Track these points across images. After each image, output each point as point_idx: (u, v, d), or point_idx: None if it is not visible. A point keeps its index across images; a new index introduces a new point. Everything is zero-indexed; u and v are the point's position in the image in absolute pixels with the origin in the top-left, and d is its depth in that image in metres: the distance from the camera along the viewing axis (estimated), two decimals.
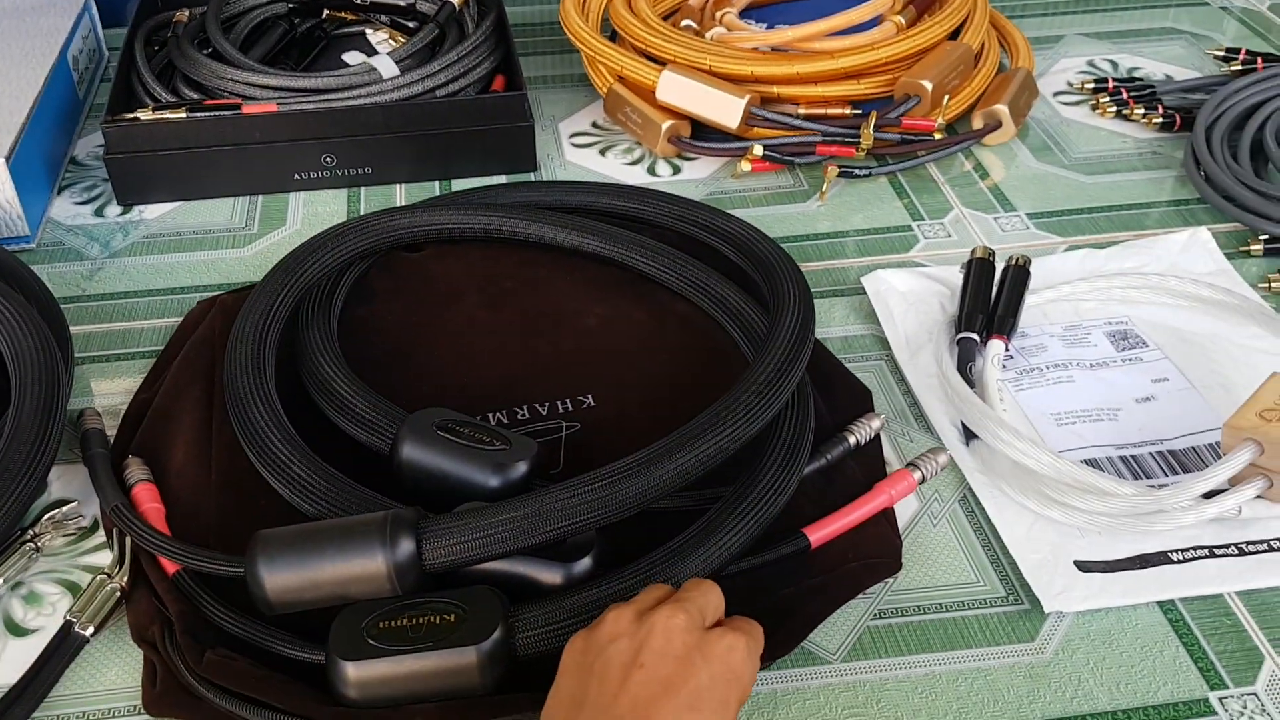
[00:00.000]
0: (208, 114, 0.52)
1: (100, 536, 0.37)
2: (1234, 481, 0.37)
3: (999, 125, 0.56)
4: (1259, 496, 0.36)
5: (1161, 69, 0.64)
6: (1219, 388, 0.42)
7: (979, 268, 0.45)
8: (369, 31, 0.63)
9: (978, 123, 0.57)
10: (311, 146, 0.53)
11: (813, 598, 0.34)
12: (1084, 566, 0.36)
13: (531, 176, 0.56)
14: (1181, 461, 0.39)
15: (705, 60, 0.55)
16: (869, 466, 0.39)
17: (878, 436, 0.40)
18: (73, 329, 0.44)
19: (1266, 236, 0.49)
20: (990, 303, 0.44)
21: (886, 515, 0.37)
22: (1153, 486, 0.38)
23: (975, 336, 0.43)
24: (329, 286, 0.45)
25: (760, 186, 0.55)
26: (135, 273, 0.49)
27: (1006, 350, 0.43)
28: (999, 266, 0.45)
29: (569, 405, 0.41)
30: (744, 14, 0.63)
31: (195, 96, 0.54)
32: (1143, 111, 0.58)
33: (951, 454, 0.39)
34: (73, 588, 0.36)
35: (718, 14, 0.60)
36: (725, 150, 0.55)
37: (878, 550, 0.36)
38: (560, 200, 0.50)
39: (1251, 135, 0.54)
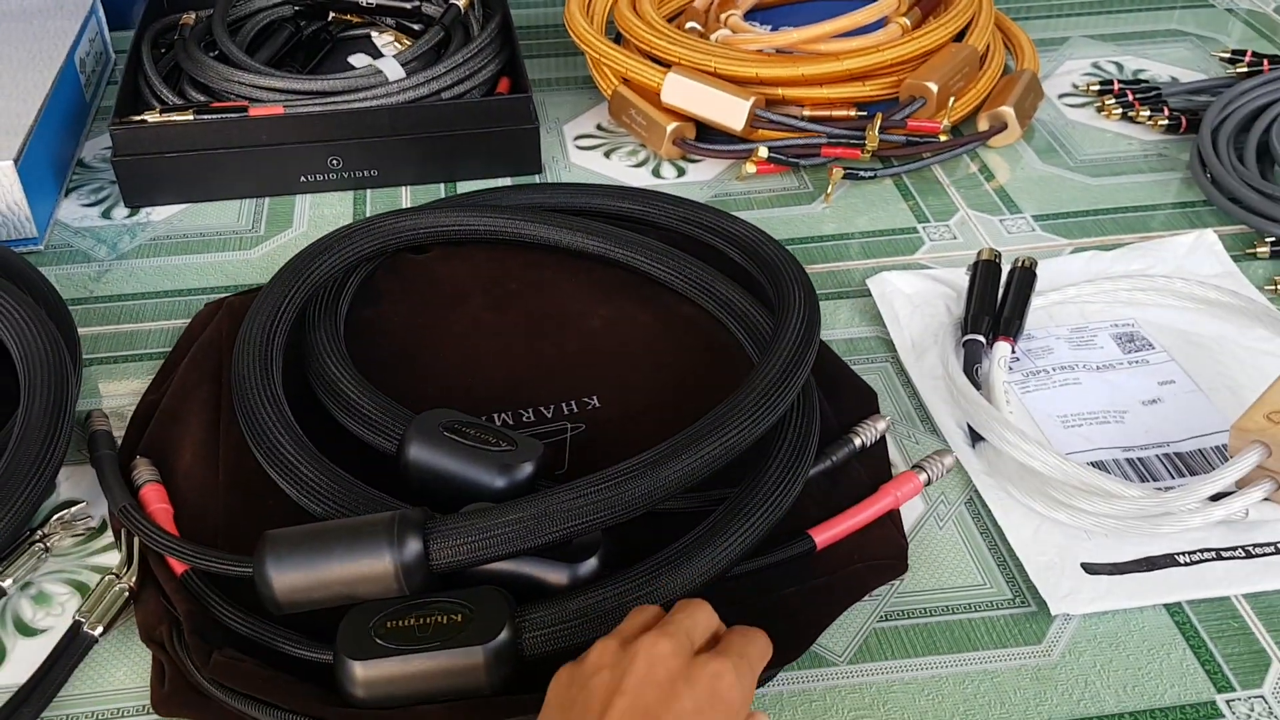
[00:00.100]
0: (215, 116, 0.52)
1: (108, 537, 0.37)
2: (1241, 484, 0.36)
3: (1004, 127, 0.56)
4: (1266, 499, 0.36)
5: (1167, 71, 0.64)
6: (1225, 390, 0.42)
7: (985, 270, 0.45)
8: (374, 34, 0.64)
9: (983, 125, 0.57)
10: (318, 149, 0.53)
11: (818, 599, 0.34)
12: (1091, 569, 0.36)
13: (536, 179, 0.56)
14: (1188, 464, 0.39)
15: (710, 62, 0.55)
16: (874, 468, 0.39)
17: (883, 438, 0.40)
18: (80, 330, 0.44)
19: (1273, 238, 0.49)
20: (996, 305, 0.44)
21: (892, 517, 0.37)
22: (1159, 489, 0.37)
23: (981, 339, 0.43)
24: (335, 288, 0.45)
25: (765, 188, 0.55)
26: (142, 275, 0.50)
27: (1013, 352, 0.43)
28: (1005, 269, 0.45)
29: (574, 407, 0.41)
30: (748, 16, 0.63)
31: (202, 99, 0.55)
32: (1148, 113, 0.58)
33: (957, 456, 0.39)
34: (81, 588, 0.36)
35: (722, 16, 0.60)
36: (730, 152, 0.55)
37: (883, 552, 0.36)
38: (565, 202, 0.50)
39: (1258, 137, 0.54)
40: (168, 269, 0.50)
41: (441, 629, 0.30)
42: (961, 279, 0.46)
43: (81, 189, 0.55)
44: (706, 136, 0.56)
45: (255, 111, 0.52)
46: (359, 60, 0.61)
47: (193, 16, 0.60)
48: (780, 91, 0.55)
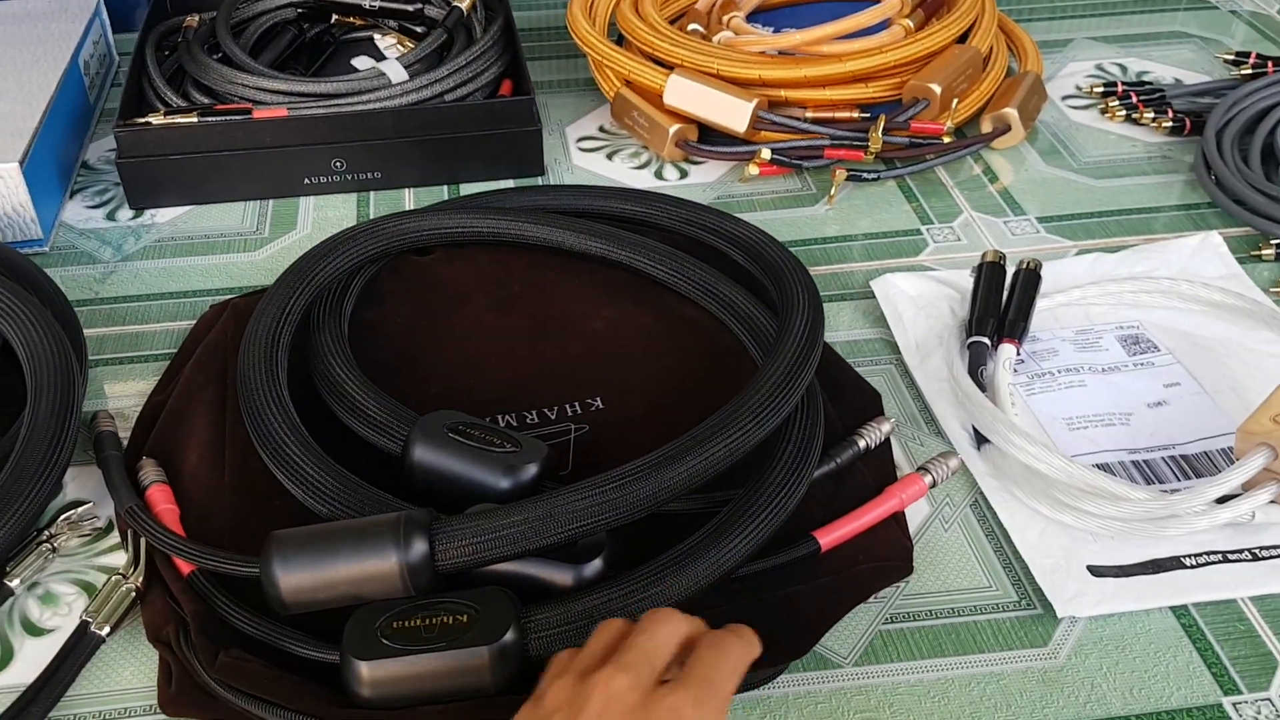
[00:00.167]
0: (219, 119, 0.52)
1: (115, 537, 0.37)
2: (1247, 486, 0.36)
3: (1008, 129, 0.56)
4: (1272, 501, 0.36)
5: (1170, 73, 0.64)
6: (1231, 392, 0.42)
7: (990, 271, 0.45)
8: (377, 36, 0.64)
9: (987, 126, 0.57)
10: (321, 151, 0.53)
11: (823, 597, 0.34)
12: (1097, 571, 0.36)
13: (539, 181, 0.56)
14: (1194, 466, 0.39)
15: (712, 64, 0.55)
16: (879, 470, 0.39)
17: (888, 440, 0.40)
18: (85, 332, 0.44)
19: (1278, 240, 0.49)
20: (1001, 307, 0.44)
21: (897, 519, 0.37)
22: (1165, 491, 0.37)
23: (986, 340, 0.42)
24: (340, 290, 0.45)
25: (768, 190, 0.55)
26: (147, 276, 0.50)
27: (1018, 354, 0.43)
28: (1009, 270, 0.45)
29: (577, 408, 0.41)
30: (750, 18, 0.63)
31: (206, 101, 0.55)
32: (1152, 115, 0.58)
33: (962, 458, 0.39)
34: (88, 588, 0.36)
35: (724, 18, 0.60)
36: (732, 154, 0.55)
37: (889, 554, 0.36)
38: (568, 204, 0.50)
39: (1263, 139, 0.54)
40: (172, 270, 0.50)
41: (447, 629, 0.30)
42: (965, 281, 0.46)
43: (86, 190, 0.55)
44: (709, 138, 0.56)
45: (259, 114, 0.53)
46: (362, 63, 0.61)
47: (196, 19, 0.60)
48: (783, 93, 0.55)
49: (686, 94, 0.54)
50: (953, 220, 0.53)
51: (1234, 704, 0.32)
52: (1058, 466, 0.36)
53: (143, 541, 0.35)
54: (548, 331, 0.45)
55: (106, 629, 0.34)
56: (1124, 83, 0.62)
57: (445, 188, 0.55)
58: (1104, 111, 0.60)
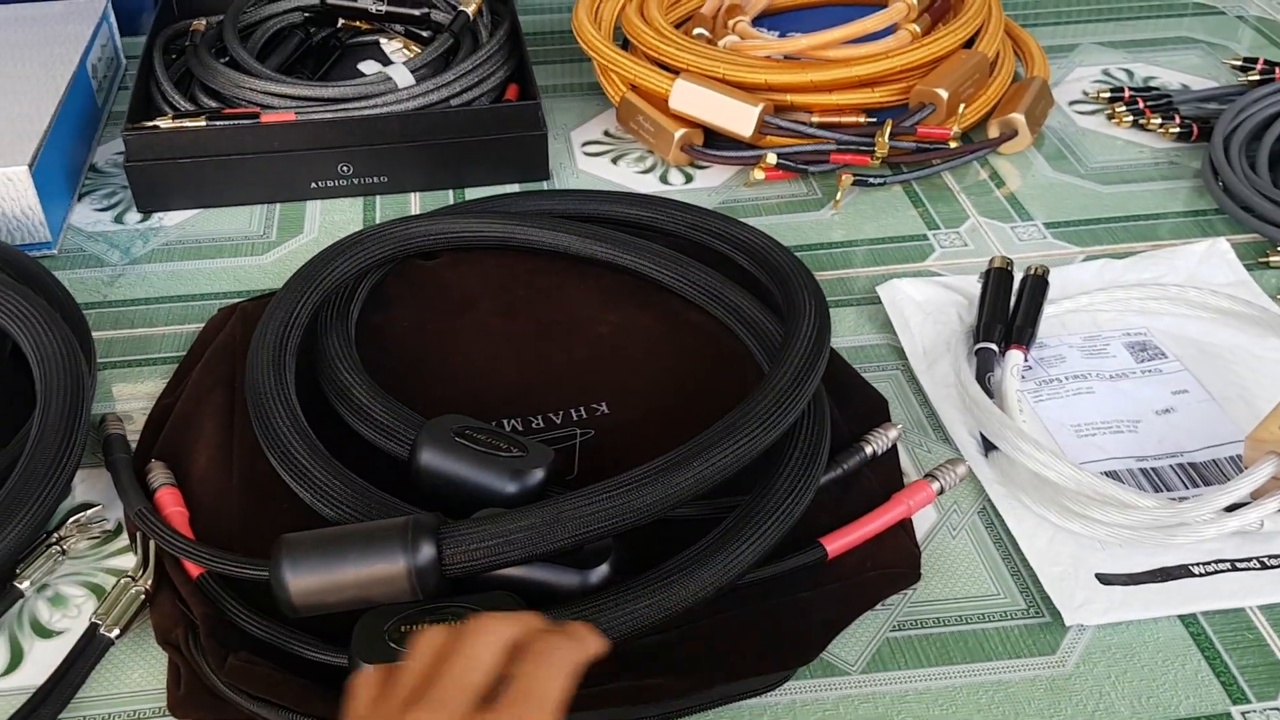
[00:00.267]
0: (227, 123, 0.52)
1: (124, 540, 0.38)
2: (1256, 495, 0.36)
3: (1015, 134, 0.56)
4: None
5: (1177, 78, 0.64)
6: (1239, 400, 0.42)
7: (997, 277, 0.45)
8: (383, 41, 0.64)
9: (993, 131, 0.57)
10: (329, 155, 0.54)
11: (830, 604, 0.34)
12: (1105, 579, 0.35)
13: (544, 185, 0.56)
14: (1202, 474, 0.39)
15: (718, 69, 0.55)
16: (886, 477, 0.39)
17: (894, 447, 0.40)
18: (94, 335, 0.45)
19: None
20: (1009, 313, 0.44)
21: (904, 526, 0.37)
22: (1174, 499, 0.37)
23: (994, 347, 0.42)
24: (346, 294, 0.45)
25: (773, 195, 0.55)
26: (155, 279, 0.50)
27: (1025, 361, 0.43)
28: (1017, 276, 0.45)
29: (582, 413, 0.41)
30: (756, 22, 0.63)
31: (214, 105, 0.55)
32: (1159, 121, 0.58)
33: (970, 465, 0.39)
34: (97, 590, 0.36)
35: (730, 22, 0.60)
36: (738, 159, 0.55)
37: (896, 561, 0.36)
38: (574, 209, 0.50)
39: (1270, 145, 0.54)
40: (180, 274, 0.50)
41: None
42: (972, 286, 0.46)
43: (94, 194, 0.56)
44: (714, 143, 0.56)
45: (267, 118, 0.53)
46: (369, 67, 0.61)
47: (203, 23, 0.61)
48: (789, 98, 0.55)
49: (692, 98, 0.54)
50: (959, 225, 0.53)
51: (1243, 713, 0.32)
52: (1066, 474, 0.36)
53: (152, 544, 0.36)
54: (553, 336, 0.45)
55: (116, 631, 0.34)
56: (1131, 88, 0.62)
57: (451, 192, 0.55)
58: (1111, 117, 0.60)
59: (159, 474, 0.38)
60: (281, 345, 0.40)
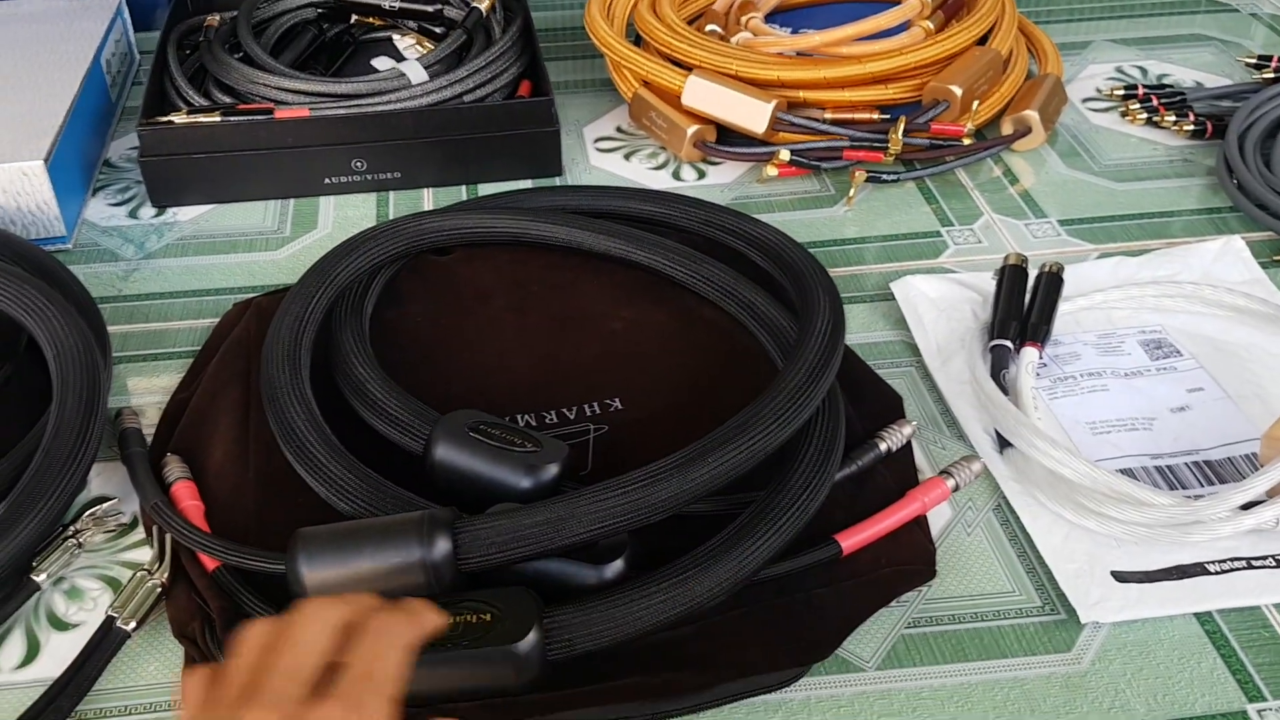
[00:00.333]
0: (241, 118, 0.53)
1: (139, 533, 0.38)
2: (1272, 493, 0.36)
3: (1029, 131, 0.56)
4: None
5: (1191, 76, 0.63)
6: (1255, 398, 0.42)
7: (1012, 274, 0.45)
8: (395, 37, 0.64)
9: (1007, 128, 0.57)
10: (342, 151, 0.54)
11: (845, 600, 0.34)
12: (1121, 577, 0.35)
13: (557, 181, 0.56)
14: (1218, 472, 0.39)
15: (731, 65, 0.55)
16: (900, 474, 0.39)
17: (909, 443, 0.39)
18: (108, 329, 0.45)
19: None
20: (1024, 310, 0.44)
21: (919, 523, 0.37)
22: (1189, 497, 0.37)
23: (1009, 344, 0.42)
24: (361, 289, 0.45)
25: (786, 191, 0.55)
26: (170, 274, 0.50)
27: (1040, 358, 0.43)
28: (1031, 273, 0.45)
29: (596, 408, 0.41)
30: (769, 19, 0.63)
31: (228, 100, 0.55)
32: (1174, 118, 0.58)
33: (985, 462, 0.39)
34: (113, 583, 0.36)
35: (743, 19, 0.60)
36: (751, 155, 0.55)
37: (911, 558, 0.36)
38: (587, 204, 0.50)
39: None
40: (195, 269, 0.50)
41: (471, 628, 0.30)
42: (986, 283, 0.46)
43: (108, 188, 0.56)
44: (726, 139, 0.56)
45: (281, 114, 0.53)
46: (382, 63, 0.61)
47: (217, 18, 0.61)
48: (801, 94, 0.55)
49: (705, 95, 0.54)
50: (973, 222, 0.52)
51: (1258, 711, 0.32)
52: (1082, 471, 0.36)
53: (168, 538, 0.36)
54: (566, 332, 0.45)
55: (132, 624, 0.34)
56: (1145, 85, 0.61)
57: (464, 188, 0.55)
58: (1124, 114, 0.60)
59: (175, 468, 0.38)
60: (296, 340, 0.41)
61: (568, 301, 0.46)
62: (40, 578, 0.35)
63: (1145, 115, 0.59)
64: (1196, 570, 0.35)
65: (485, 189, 0.55)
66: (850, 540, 0.35)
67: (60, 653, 0.34)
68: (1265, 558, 0.36)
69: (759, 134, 0.54)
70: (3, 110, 0.52)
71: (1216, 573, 0.35)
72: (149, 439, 0.40)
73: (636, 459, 0.34)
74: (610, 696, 0.31)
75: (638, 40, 0.61)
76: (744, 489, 0.36)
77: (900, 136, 0.53)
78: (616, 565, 0.33)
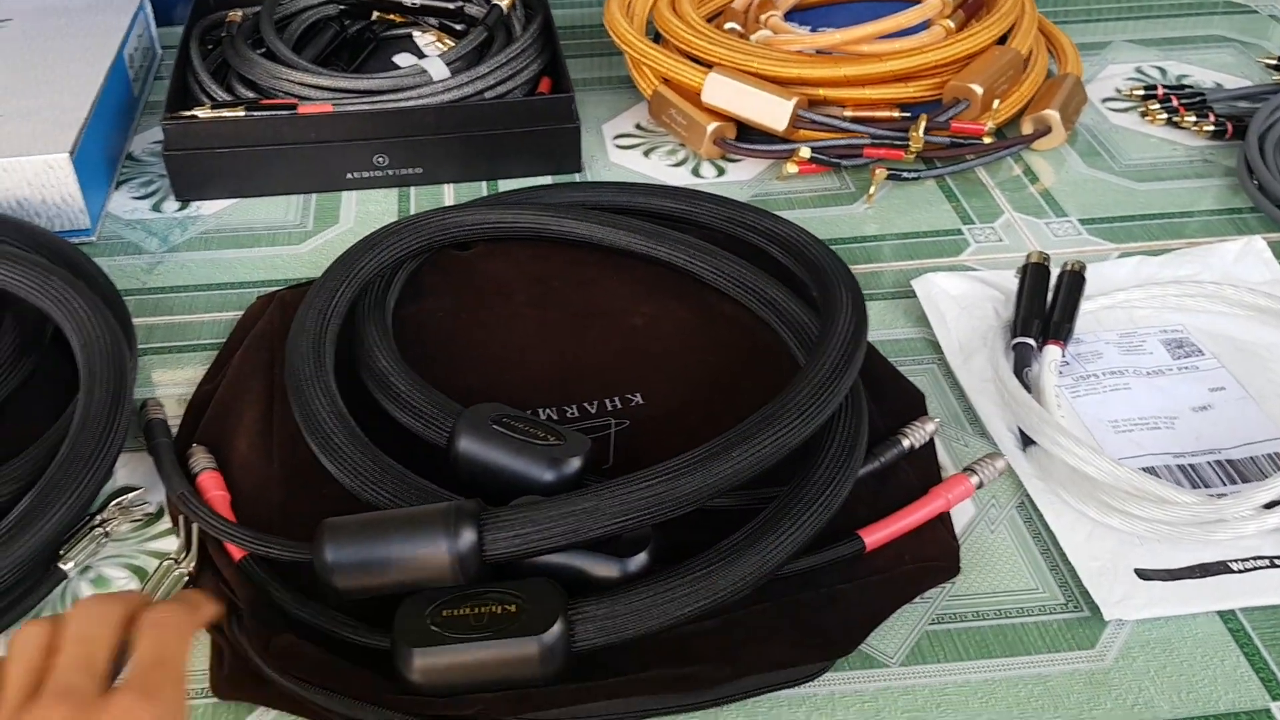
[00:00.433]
0: (265, 113, 0.53)
1: (165, 523, 0.38)
2: None
3: (1049, 130, 0.56)
4: None
5: (1210, 76, 0.63)
6: (1276, 398, 0.42)
7: (1034, 272, 0.45)
8: (416, 34, 0.64)
9: (1027, 128, 0.57)
10: (364, 146, 0.54)
11: (868, 596, 0.34)
12: (1144, 574, 0.35)
13: (577, 178, 0.56)
14: (1240, 471, 0.39)
15: (751, 63, 0.55)
16: (923, 470, 0.39)
17: (932, 440, 0.39)
18: (133, 321, 0.45)
19: None
20: (1046, 308, 0.44)
21: (943, 520, 0.37)
22: (1212, 495, 0.37)
23: (1031, 342, 0.42)
24: (383, 284, 0.45)
25: (806, 189, 0.55)
26: (194, 267, 0.50)
27: (1062, 357, 0.43)
28: (1054, 272, 0.45)
29: (617, 403, 0.42)
30: (788, 17, 0.63)
31: (251, 95, 0.55)
32: (1193, 119, 0.58)
33: (1008, 460, 0.39)
34: (139, 572, 0.36)
35: (762, 17, 0.60)
36: (771, 152, 0.55)
37: (935, 554, 0.36)
38: (608, 201, 0.50)
39: None
40: (219, 262, 0.51)
41: (496, 619, 0.31)
42: (1008, 281, 0.46)
43: (131, 182, 0.56)
44: (746, 136, 0.56)
45: (305, 109, 0.53)
46: (404, 60, 0.61)
47: (239, 14, 0.61)
48: (822, 92, 0.55)
49: (725, 93, 0.54)
50: (994, 221, 0.52)
51: None
52: (1105, 469, 0.36)
53: (194, 527, 0.36)
54: (587, 327, 0.45)
55: None
56: (1164, 86, 0.61)
57: (484, 184, 0.56)
58: (1144, 115, 0.60)
59: (201, 458, 0.38)
60: (320, 333, 0.41)
61: (589, 297, 0.47)
62: (67, 566, 0.36)
63: (1165, 115, 0.59)
64: (1220, 568, 0.35)
65: (506, 185, 0.55)
66: (874, 536, 0.35)
67: None
68: None
69: (779, 131, 0.54)
70: (28, 103, 0.53)
71: (1240, 571, 0.35)
72: (174, 430, 0.40)
73: (657, 454, 0.34)
74: (633, 689, 0.31)
75: (657, 38, 0.61)
76: (767, 484, 0.36)
77: (921, 134, 0.53)
78: (640, 558, 0.33)
